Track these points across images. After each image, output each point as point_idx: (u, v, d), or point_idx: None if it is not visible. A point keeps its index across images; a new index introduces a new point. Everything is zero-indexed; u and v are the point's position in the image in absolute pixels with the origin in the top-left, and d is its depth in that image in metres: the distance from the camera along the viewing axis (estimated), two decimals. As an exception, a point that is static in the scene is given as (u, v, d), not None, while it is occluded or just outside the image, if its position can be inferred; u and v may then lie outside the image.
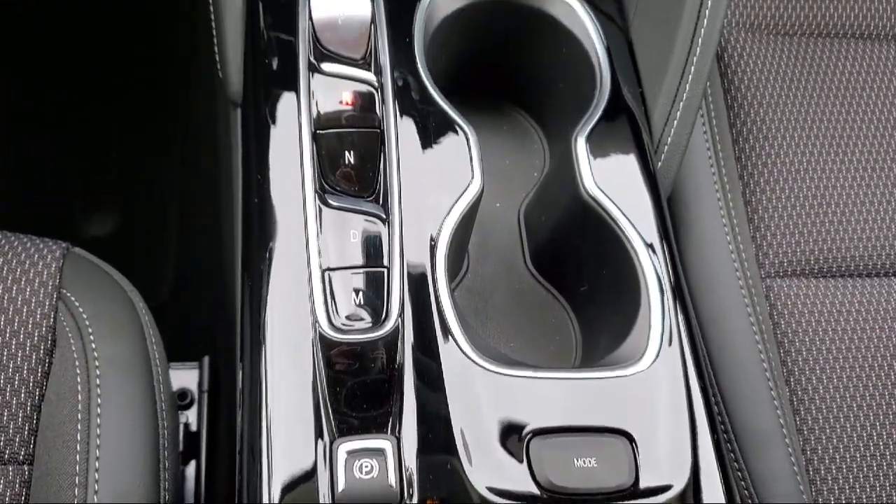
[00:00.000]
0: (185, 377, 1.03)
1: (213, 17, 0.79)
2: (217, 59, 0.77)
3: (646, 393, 0.61)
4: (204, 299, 1.13)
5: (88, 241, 1.37)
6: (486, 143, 0.78)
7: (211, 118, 0.87)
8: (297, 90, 0.69)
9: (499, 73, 0.83)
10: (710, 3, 0.74)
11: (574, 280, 0.73)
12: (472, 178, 0.68)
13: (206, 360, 1.01)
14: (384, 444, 0.57)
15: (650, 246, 0.67)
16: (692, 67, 0.74)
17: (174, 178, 1.37)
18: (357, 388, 0.60)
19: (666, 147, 0.75)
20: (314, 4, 0.72)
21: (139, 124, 1.40)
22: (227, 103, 0.76)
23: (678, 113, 0.74)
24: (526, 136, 0.84)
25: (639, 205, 0.69)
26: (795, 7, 0.95)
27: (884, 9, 0.97)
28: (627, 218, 0.68)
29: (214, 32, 0.78)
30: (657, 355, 0.62)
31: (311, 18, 0.72)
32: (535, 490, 0.57)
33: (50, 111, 1.41)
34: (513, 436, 0.59)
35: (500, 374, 0.60)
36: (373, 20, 0.73)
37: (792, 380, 0.82)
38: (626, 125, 0.73)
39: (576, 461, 0.58)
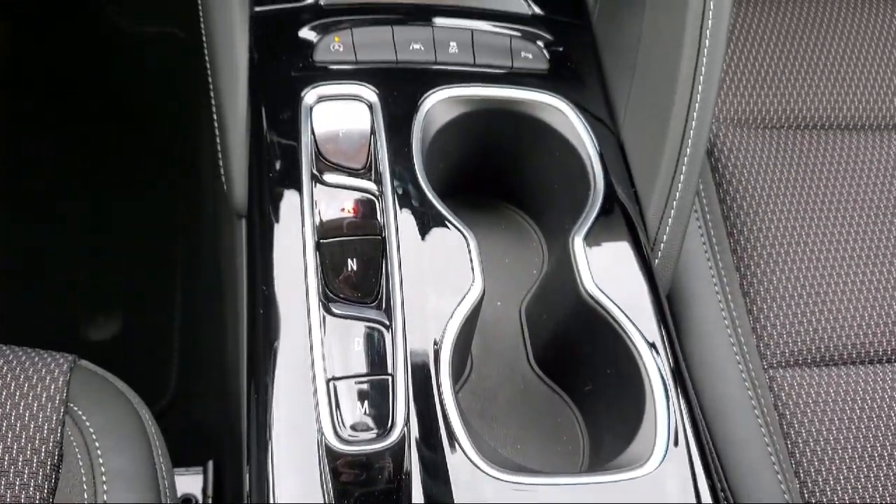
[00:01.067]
0: (190, 483, 1.02)
1: (217, 130, 0.81)
2: (221, 170, 0.79)
3: (655, 495, 0.61)
4: (208, 403, 1.13)
5: (94, 344, 1.38)
6: (485, 242, 0.80)
7: (214, 226, 0.89)
8: (300, 201, 0.71)
9: (495, 174, 0.85)
10: (697, 106, 0.77)
11: (578, 379, 0.73)
12: (473, 281, 0.69)
13: (211, 464, 1.01)
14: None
15: (652, 345, 0.68)
16: (683, 167, 0.76)
17: (178, 285, 1.38)
18: (365, 498, 0.59)
19: (662, 245, 0.77)
20: (316, 118, 0.75)
21: (143, 230, 1.43)
22: (231, 213, 0.78)
23: (672, 211, 0.76)
24: (524, 235, 0.86)
25: (639, 303, 0.70)
26: (781, 102, 0.98)
27: (864, 101, 1.00)
28: (628, 317, 0.69)
29: (219, 145, 0.80)
30: (664, 456, 0.62)
31: (313, 132, 0.74)
32: None
33: (60, 211, 1.44)
34: (523, 544, 0.58)
35: (508, 481, 0.60)
36: (372, 131, 0.75)
37: (801, 471, 0.82)
38: (622, 224, 0.74)
39: None
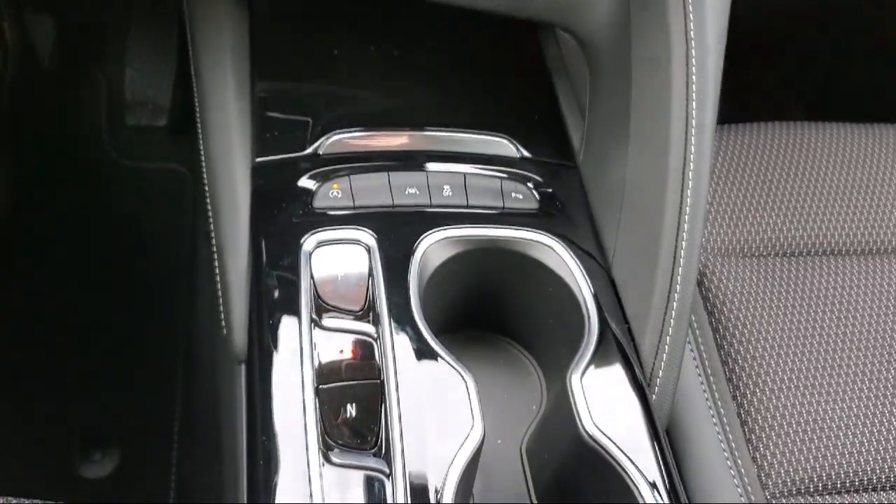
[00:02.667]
0: None
1: (217, 275, 0.83)
2: (222, 316, 0.81)
3: None
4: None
5: (88, 482, 1.36)
6: (484, 378, 0.80)
7: (213, 372, 0.90)
8: (299, 346, 0.72)
9: (491, 310, 0.87)
10: (685, 243, 0.80)
11: (581, 521, 0.73)
12: (473, 425, 0.69)
13: None
14: None
15: (653, 485, 0.68)
16: (675, 303, 0.78)
17: (175, 431, 1.37)
18: None
19: (658, 380, 0.77)
20: (315, 263, 0.77)
21: (139, 372, 1.43)
22: (230, 358, 0.79)
23: (666, 347, 0.78)
24: (522, 370, 0.87)
25: (638, 442, 0.70)
26: (766, 230, 1.01)
27: (847, 227, 1.03)
28: (628, 457, 0.69)
29: (219, 290, 0.82)
30: None
31: (312, 276, 0.76)
32: None
33: (49, 353, 1.44)
34: None
35: None
36: (370, 274, 0.77)
37: None
38: (618, 362, 0.76)
39: None
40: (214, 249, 0.83)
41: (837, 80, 1.60)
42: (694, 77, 0.79)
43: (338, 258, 0.78)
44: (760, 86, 1.69)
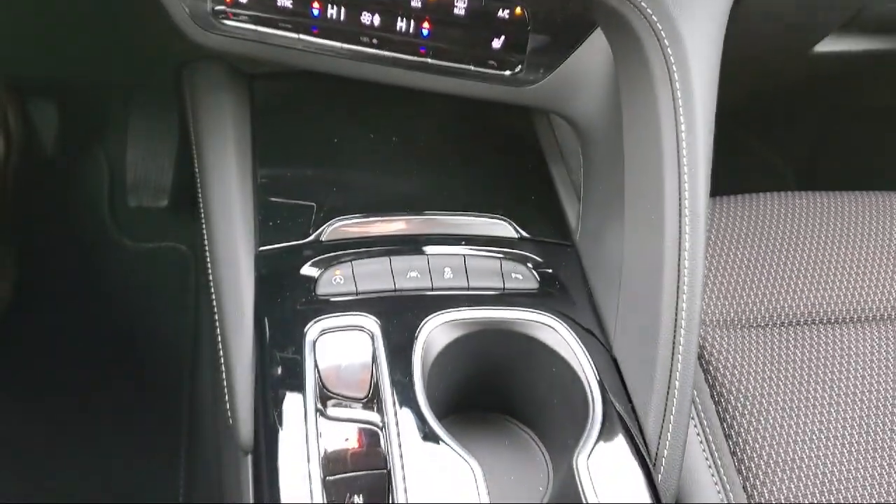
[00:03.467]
0: None
1: (222, 364, 0.84)
2: (227, 406, 0.81)
3: None
4: None
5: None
6: (489, 460, 0.80)
7: (218, 463, 0.90)
8: (305, 437, 0.73)
9: (496, 390, 0.87)
10: (684, 322, 0.81)
11: None
12: None
13: None
14: None
15: None
16: (677, 381, 0.79)
17: None
18: None
19: (664, 459, 0.78)
20: (319, 351, 0.78)
21: (141, 461, 1.42)
22: (235, 449, 0.79)
23: (671, 425, 0.78)
24: (527, 450, 0.87)
25: (646, 525, 0.70)
26: (763, 301, 1.02)
27: (843, 296, 1.04)
28: None
29: (224, 382, 0.82)
30: None
31: (316, 366, 0.77)
32: None
33: (48, 439, 1.43)
34: None
35: None
36: (374, 360, 0.78)
37: None
38: (623, 442, 0.76)
39: None
40: (219, 340, 0.84)
41: (824, 147, 1.64)
42: (685, 158, 0.81)
43: (342, 345, 0.79)
44: (750, 153, 1.73)
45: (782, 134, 1.72)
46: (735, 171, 1.54)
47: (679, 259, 0.80)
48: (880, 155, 1.53)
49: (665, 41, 0.80)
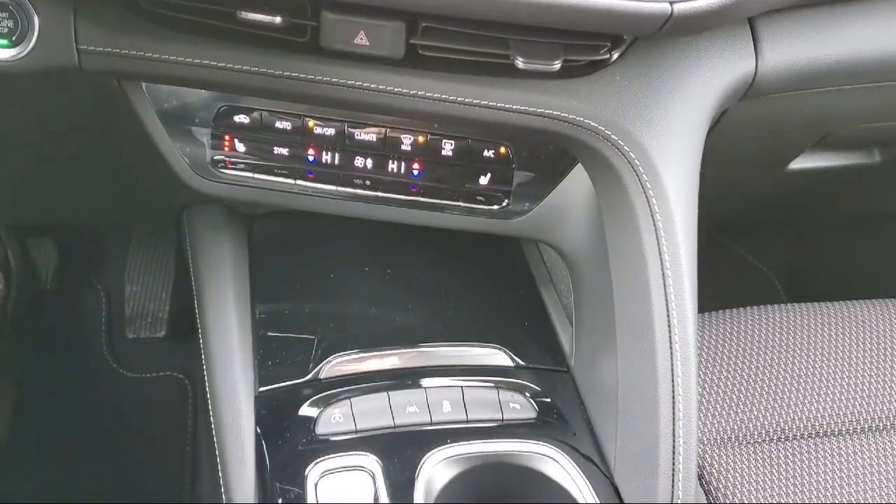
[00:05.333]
0: None
1: (225, 507, 0.84)
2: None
3: None
4: None
5: None
6: None
7: None
8: None
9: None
10: (682, 442, 0.82)
11: None
12: None
13: None
14: None
15: None
16: None
17: None
18: None
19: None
20: (321, 493, 0.78)
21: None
22: None
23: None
24: None
25: None
26: (759, 415, 1.03)
27: (839, 407, 1.05)
28: None
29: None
30: None
31: None
32: None
33: None
34: None
35: None
36: (375, 501, 0.79)
37: None
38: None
39: None
40: (220, 482, 0.84)
41: (807, 253, 1.68)
42: (671, 287, 0.84)
43: (343, 486, 0.80)
44: (735, 260, 1.76)
45: (765, 240, 1.76)
46: (722, 278, 1.57)
47: (673, 386, 0.82)
48: (862, 261, 1.56)
49: (643, 175, 0.84)
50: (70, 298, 1.66)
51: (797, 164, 1.18)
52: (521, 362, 0.94)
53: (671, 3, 0.71)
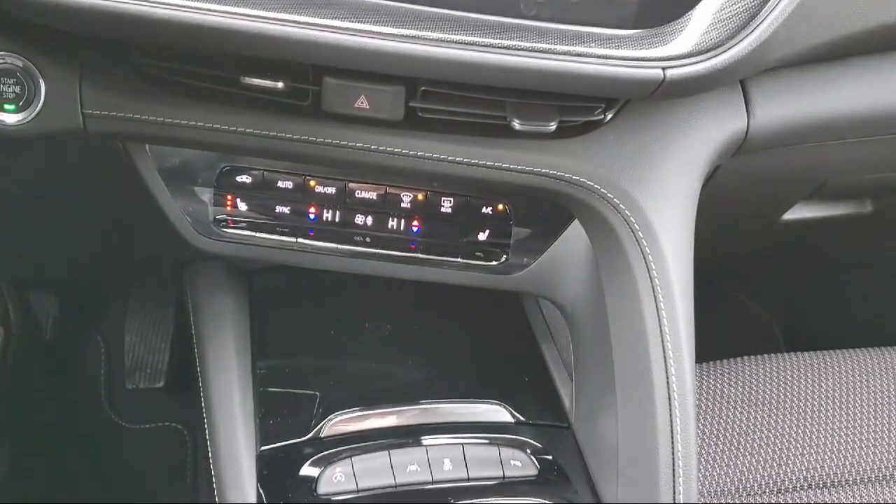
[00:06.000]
0: None
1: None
2: None
3: None
4: None
5: None
6: None
7: None
8: None
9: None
10: (682, 497, 0.82)
11: None
12: None
13: None
14: None
15: None
16: None
17: None
18: None
19: None
20: None
21: None
22: None
23: None
24: None
25: None
26: (758, 468, 1.03)
27: (838, 459, 1.05)
28: None
29: None
30: None
31: None
32: None
33: None
34: None
35: None
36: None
37: None
38: None
39: None
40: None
41: (803, 299, 1.69)
42: (669, 342, 0.85)
43: None
44: (734, 309, 1.77)
45: (762, 284, 1.77)
46: (720, 322, 1.58)
47: (672, 443, 0.82)
48: (861, 304, 1.57)
49: (639, 234, 0.85)
50: (70, 350, 1.67)
51: (791, 214, 1.19)
52: (521, 418, 0.94)
53: (663, 70, 0.73)
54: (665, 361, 0.84)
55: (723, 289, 1.77)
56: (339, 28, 0.71)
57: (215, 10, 0.70)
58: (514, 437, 0.92)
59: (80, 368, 1.66)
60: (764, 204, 1.16)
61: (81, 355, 1.66)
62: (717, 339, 1.22)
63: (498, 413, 0.94)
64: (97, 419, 1.65)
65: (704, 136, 0.88)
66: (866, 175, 1.12)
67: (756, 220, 1.22)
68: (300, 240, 0.94)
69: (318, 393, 0.94)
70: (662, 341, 0.84)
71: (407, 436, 0.90)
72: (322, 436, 0.90)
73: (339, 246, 0.94)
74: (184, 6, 0.69)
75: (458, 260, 0.95)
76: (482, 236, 0.95)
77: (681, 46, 0.73)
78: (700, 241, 0.91)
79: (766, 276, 1.71)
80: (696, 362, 0.92)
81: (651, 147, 0.86)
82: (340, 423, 0.91)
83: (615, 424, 0.88)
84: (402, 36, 0.71)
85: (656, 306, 0.85)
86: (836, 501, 1.02)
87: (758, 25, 0.73)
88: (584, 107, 0.82)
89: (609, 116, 0.85)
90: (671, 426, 0.83)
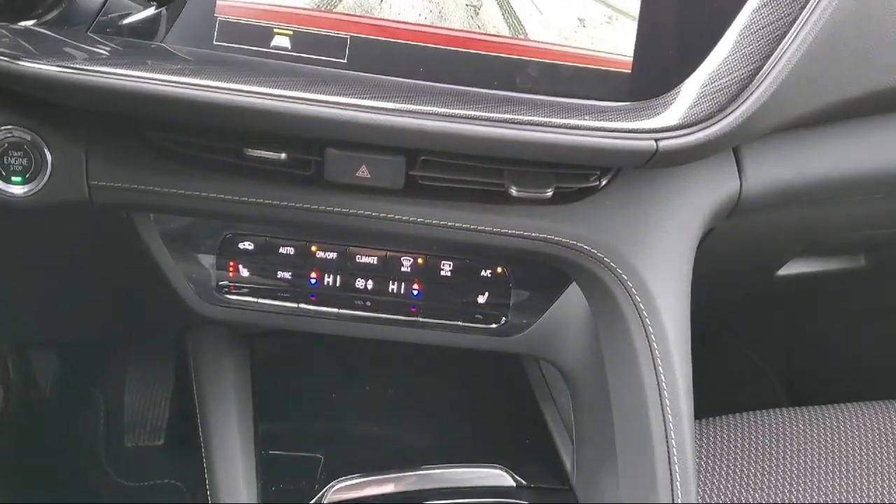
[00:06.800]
0: None
1: None
2: None
3: None
4: None
5: None
6: None
7: None
8: None
9: None
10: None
11: None
12: None
13: None
14: None
15: None
16: None
17: None
18: None
19: None
20: None
21: None
22: None
23: None
24: None
25: None
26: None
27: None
28: None
29: None
30: None
31: None
32: None
33: None
34: None
35: None
36: None
37: None
38: None
39: None
40: None
41: (806, 349, 1.69)
42: (668, 405, 0.86)
43: None
44: (732, 360, 1.78)
45: (760, 334, 1.78)
46: (718, 374, 1.58)
47: (673, 499, 0.82)
48: (860, 354, 1.58)
49: (636, 296, 0.86)
50: (69, 407, 1.66)
51: (786, 270, 1.21)
52: (522, 482, 0.95)
53: (656, 141, 0.75)
54: (665, 425, 0.85)
55: (722, 338, 1.78)
56: (342, 104, 0.73)
57: (219, 88, 0.72)
58: (515, 501, 0.92)
59: (79, 426, 1.65)
60: (758, 261, 1.17)
61: (81, 413, 1.66)
62: (716, 391, 1.23)
63: (499, 478, 0.95)
64: (97, 477, 1.64)
65: (698, 199, 0.90)
66: (858, 232, 1.13)
67: (751, 275, 1.23)
68: (301, 305, 0.95)
69: (319, 457, 0.95)
70: (662, 405, 0.85)
71: (408, 497, 0.90)
72: (323, 503, 0.90)
73: (340, 311, 0.95)
74: (188, 84, 0.71)
75: (458, 323, 0.96)
76: (482, 299, 0.96)
77: (672, 118, 0.75)
78: (697, 293, 0.92)
79: (764, 326, 1.72)
80: (696, 418, 0.93)
81: (646, 212, 0.88)
82: (342, 490, 0.91)
83: (616, 486, 0.88)
84: (404, 111, 0.74)
85: (655, 370, 0.86)
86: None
87: (748, 97, 0.75)
88: (579, 174, 0.84)
89: (604, 182, 0.86)
90: (672, 489, 0.83)
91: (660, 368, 0.86)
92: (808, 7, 0.76)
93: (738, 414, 1.18)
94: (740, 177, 0.92)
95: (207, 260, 0.93)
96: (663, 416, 0.85)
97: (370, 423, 1.00)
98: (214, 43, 0.76)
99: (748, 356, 1.78)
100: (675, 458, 0.83)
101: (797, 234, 1.10)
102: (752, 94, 0.75)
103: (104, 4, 0.76)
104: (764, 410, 1.19)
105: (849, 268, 1.24)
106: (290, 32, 0.77)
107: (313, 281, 0.94)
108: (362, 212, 0.84)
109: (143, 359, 1.64)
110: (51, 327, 1.22)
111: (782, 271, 1.21)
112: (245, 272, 0.94)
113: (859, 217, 1.08)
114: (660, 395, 0.85)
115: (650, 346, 0.86)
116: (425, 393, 1.04)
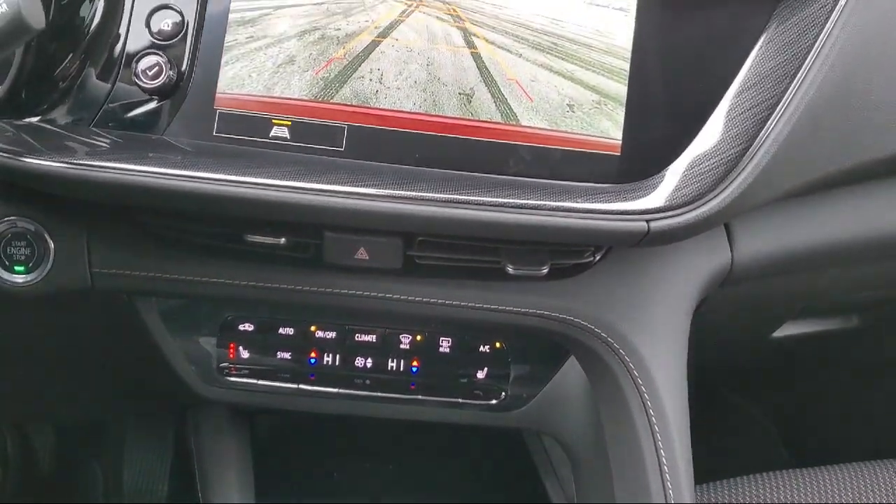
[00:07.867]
0: None
1: None
2: None
3: None
4: None
5: None
6: None
7: None
8: None
9: None
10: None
11: None
12: None
13: None
14: None
15: None
16: None
17: None
18: None
19: None
20: None
21: None
22: None
23: None
24: None
25: None
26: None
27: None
28: None
29: None
30: None
31: None
32: None
33: None
34: None
35: None
36: None
37: None
38: None
39: None
40: None
41: (806, 405, 1.69)
42: (667, 468, 0.86)
43: None
44: (733, 417, 1.78)
45: (760, 393, 1.78)
46: (719, 429, 1.58)
47: None
48: (861, 407, 1.58)
49: (634, 370, 0.87)
50: (68, 481, 1.65)
51: (781, 332, 1.22)
52: None
53: (647, 222, 0.77)
54: (664, 491, 0.85)
55: (722, 395, 1.78)
56: (339, 192, 0.74)
57: (218, 180, 0.73)
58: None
59: (77, 499, 1.64)
60: (752, 326, 1.18)
61: (80, 486, 1.64)
62: (717, 450, 1.23)
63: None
64: None
65: (690, 272, 0.91)
66: (849, 295, 1.15)
67: (746, 338, 1.24)
68: (301, 385, 0.95)
69: None
70: (662, 479, 0.85)
71: None
72: None
73: (340, 390, 0.96)
74: (187, 177, 0.72)
75: (458, 400, 0.97)
76: (481, 374, 0.97)
77: (663, 199, 0.77)
78: (695, 354, 0.93)
79: (764, 383, 1.72)
80: (697, 482, 0.93)
81: (639, 286, 0.89)
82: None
83: None
84: (399, 197, 0.75)
85: (654, 445, 0.86)
86: None
87: (735, 178, 0.77)
88: (574, 251, 0.86)
89: (598, 258, 0.88)
90: None
91: (660, 444, 0.86)
92: (790, 89, 0.78)
93: (739, 478, 1.18)
94: (731, 248, 0.93)
95: (208, 342, 0.94)
96: (664, 490, 0.85)
97: (371, 500, 1.00)
98: (214, 134, 0.78)
99: (749, 412, 1.78)
100: None
101: (790, 300, 1.12)
102: (738, 174, 0.77)
103: (107, 98, 0.78)
104: (765, 473, 1.18)
105: (842, 328, 1.25)
106: (289, 123, 0.79)
107: (313, 360, 0.95)
108: (362, 292, 0.85)
109: (142, 435, 1.63)
110: (51, 406, 1.22)
111: (777, 333, 1.22)
112: (245, 353, 0.95)
113: (850, 282, 1.09)
114: (660, 469, 0.86)
115: (648, 418, 0.87)
116: (427, 468, 1.04)
